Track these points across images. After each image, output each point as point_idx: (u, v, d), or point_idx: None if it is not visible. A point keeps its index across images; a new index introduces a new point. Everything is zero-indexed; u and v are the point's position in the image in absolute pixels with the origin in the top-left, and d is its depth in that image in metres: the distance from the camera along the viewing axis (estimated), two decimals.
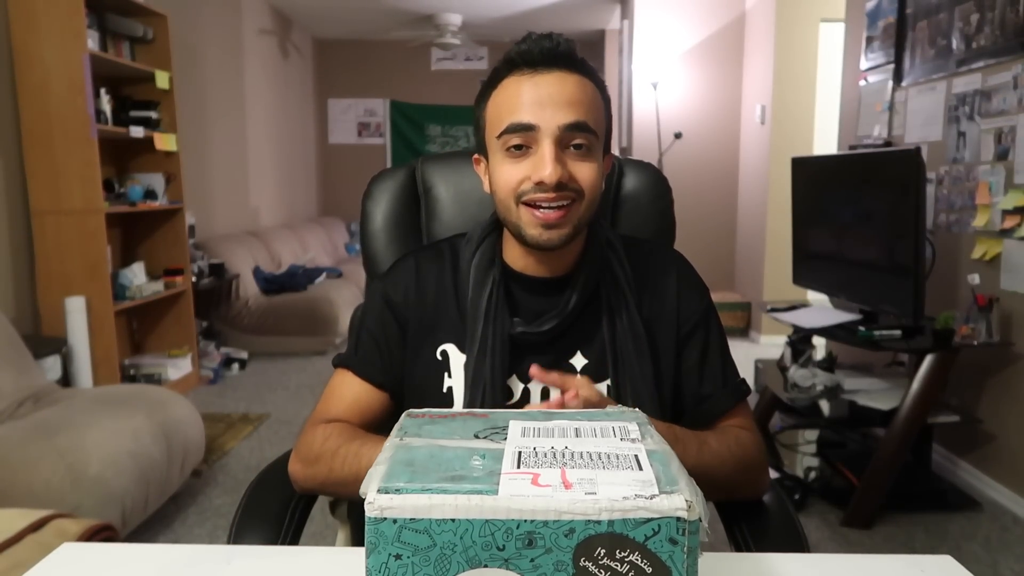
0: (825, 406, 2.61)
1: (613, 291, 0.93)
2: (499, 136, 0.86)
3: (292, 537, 0.88)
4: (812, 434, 3.00)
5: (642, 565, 0.44)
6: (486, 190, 0.94)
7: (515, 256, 0.95)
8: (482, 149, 0.93)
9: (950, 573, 0.71)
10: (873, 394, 2.58)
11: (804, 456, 2.87)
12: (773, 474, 2.58)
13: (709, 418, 0.94)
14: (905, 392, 2.37)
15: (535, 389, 0.92)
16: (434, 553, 0.44)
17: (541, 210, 0.85)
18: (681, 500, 0.44)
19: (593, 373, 0.92)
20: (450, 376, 0.93)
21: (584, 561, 0.44)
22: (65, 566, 0.72)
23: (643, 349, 0.91)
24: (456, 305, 0.95)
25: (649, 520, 0.44)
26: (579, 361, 0.93)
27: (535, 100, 0.84)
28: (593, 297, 0.94)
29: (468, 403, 0.90)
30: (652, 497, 0.44)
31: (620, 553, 0.44)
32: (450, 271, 0.97)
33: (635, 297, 0.94)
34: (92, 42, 3.10)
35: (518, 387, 0.92)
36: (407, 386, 0.96)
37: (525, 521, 0.44)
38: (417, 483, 0.46)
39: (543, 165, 0.83)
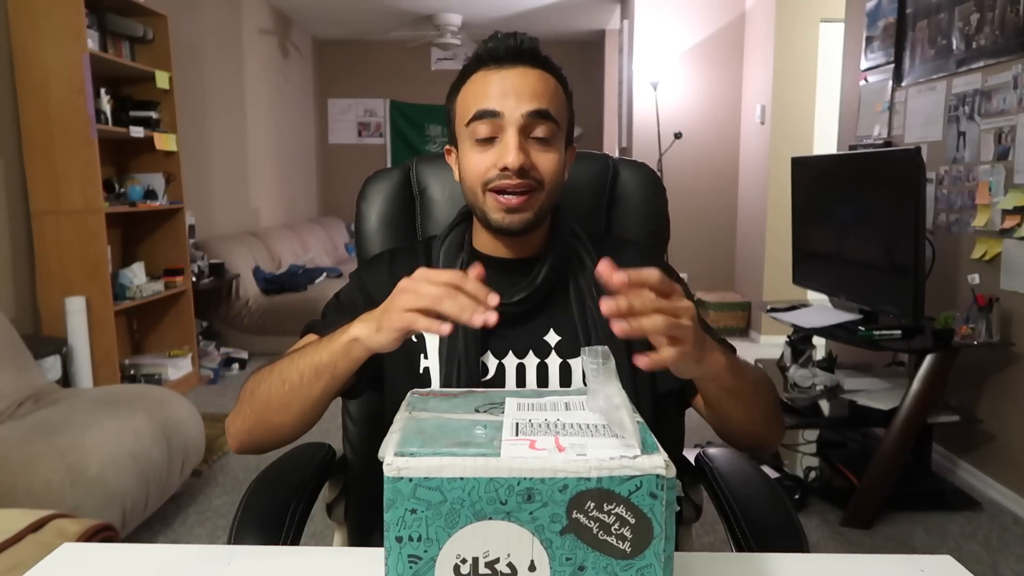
0: (825, 406, 2.61)
1: (581, 274, 0.98)
2: (467, 124, 0.92)
3: (292, 537, 0.88)
4: (812, 434, 3.00)
5: (626, 516, 0.51)
6: (456, 179, 1.00)
7: (484, 242, 1.00)
8: (453, 141, 0.99)
9: (950, 573, 0.71)
10: (873, 394, 2.58)
11: (804, 456, 2.87)
12: (773, 474, 2.58)
13: None
14: (905, 392, 2.37)
15: (509, 365, 0.95)
16: (445, 507, 0.50)
17: (505, 195, 0.91)
18: (660, 460, 0.51)
19: (567, 349, 0.95)
20: (426, 357, 0.96)
21: (576, 513, 0.51)
22: (65, 566, 0.72)
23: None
24: None
25: (632, 477, 0.50)
26: (553, 338, 0.96)
27: (500, 91, 0.90)
28: (561, 280, 0.98)
29: (444, 380, 0.93)
30: (635, 457, 0.51)
31: (607, 506, 0.51)
32: (423, 262, 1.02)
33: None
34: (92, 42, 3.10)
35: (492, 363, 0.95)
36: (385, 369, 0.99)
37: (524, 479, 0.50)
38: (428, 448, 0.52)
39: (507, 152, 0.89)
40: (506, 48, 0.92)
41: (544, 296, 0.96)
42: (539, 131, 0.90)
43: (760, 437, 0.92)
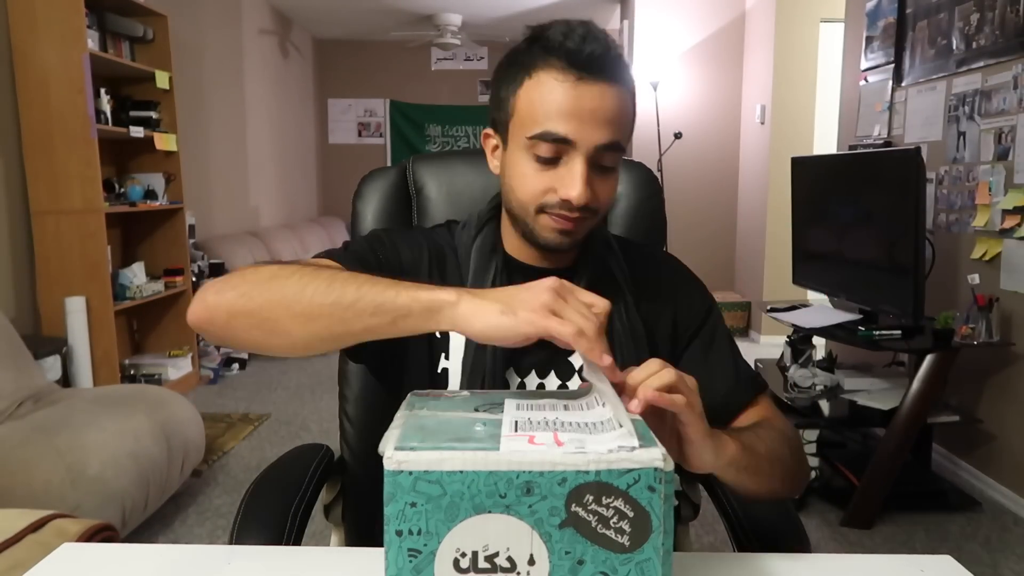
0: (825, 406, 2.60)
1: (610, 289, 0.92)
2: (530, 137, 0.83)
3: (294, 538, 0.88)
4: (812, 434, 2.99)
5: (625, 510, 0.51)
6: (493, 170, 0.92)
7: (515, 245, 0.94)
8: (498, 128, 0.90)
9: (950, 573, 0.71)
10: (873, 394, 2.58)
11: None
12: None
13: (730, 413, 0.91)
14: (905, 392, 2.36)
15: (530, 384, 0.92)
16: (445, 501, 0.51)
17: (561, 219, 0.85)
18: (658, 452, 0.51)
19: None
20: (447, 358, 0.91)
21: (575, 506, 0.51)
22: (65, 566, 0.72)
23: (642, 348, 0.91)
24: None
25: (631, 470, 0.51)
26: (578, 360, 0.92)
27: (575, 112, 0.80)
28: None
29: (465, 389, 0.88)
30: (633, 450, 0.51)
31: (606, 499, 0.51)
32: (452, 254, 0.95)
33: (632, 297, 0.93)
34: (92, 42, 3.10)
35: (514, 381, 0.91)
36: (395, 353, 0.91)
37: (524, 472, 0.50)
38: (429, 443, 0.52)
39: (573, 184, 0.81)
40: (589, 56, 0.80)
41: None
42: (606, 161, 0.84)
43: (778, 496, 0.85)
